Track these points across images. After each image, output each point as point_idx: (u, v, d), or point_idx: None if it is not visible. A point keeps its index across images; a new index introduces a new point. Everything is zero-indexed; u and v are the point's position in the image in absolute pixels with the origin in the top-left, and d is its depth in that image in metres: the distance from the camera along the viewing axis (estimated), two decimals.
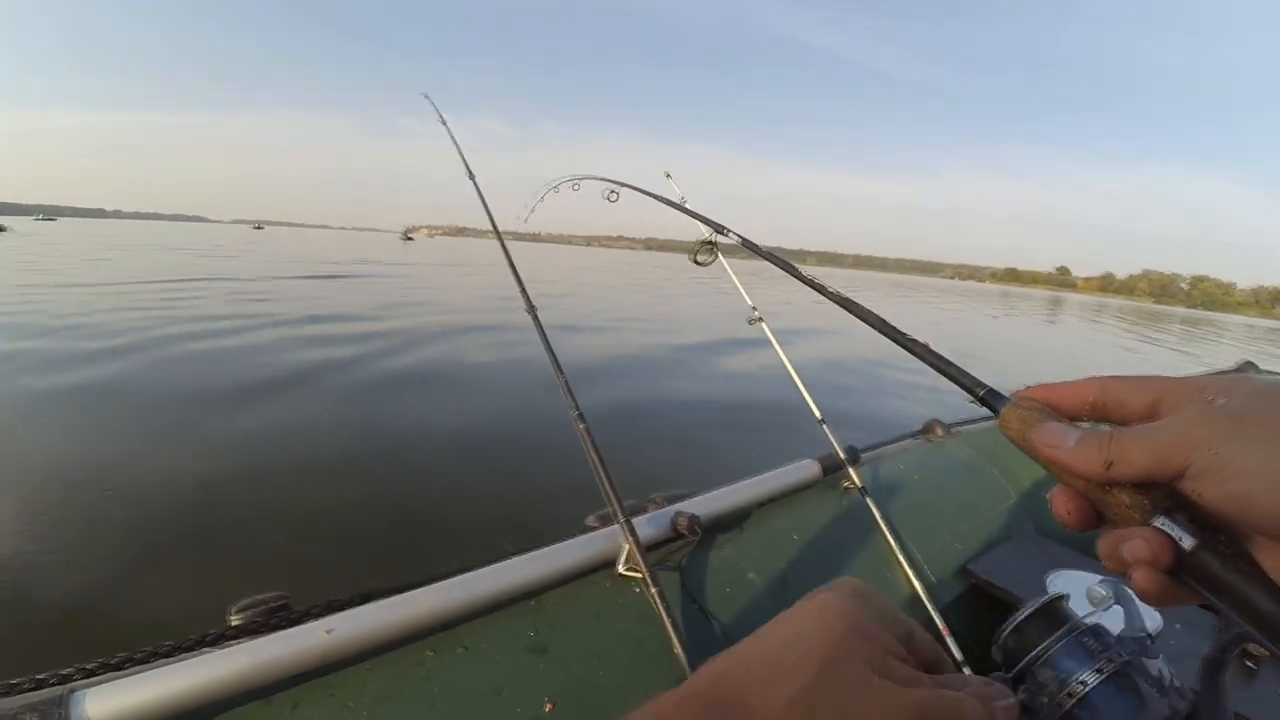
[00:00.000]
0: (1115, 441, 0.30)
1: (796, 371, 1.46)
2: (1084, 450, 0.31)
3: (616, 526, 0.93)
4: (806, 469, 1.30)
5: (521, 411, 4.60)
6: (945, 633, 1.11)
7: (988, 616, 1.30)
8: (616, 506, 0.93)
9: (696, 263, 1.16)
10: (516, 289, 1.35)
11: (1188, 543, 0.28)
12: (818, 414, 1.39)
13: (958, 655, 1.10)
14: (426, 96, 1.94)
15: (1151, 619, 1.20)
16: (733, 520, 1.14)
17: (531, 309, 1.29)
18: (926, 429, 1.72)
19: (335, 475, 3.29)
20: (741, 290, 1.60)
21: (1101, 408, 0.33)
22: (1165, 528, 0.29)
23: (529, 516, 2.91)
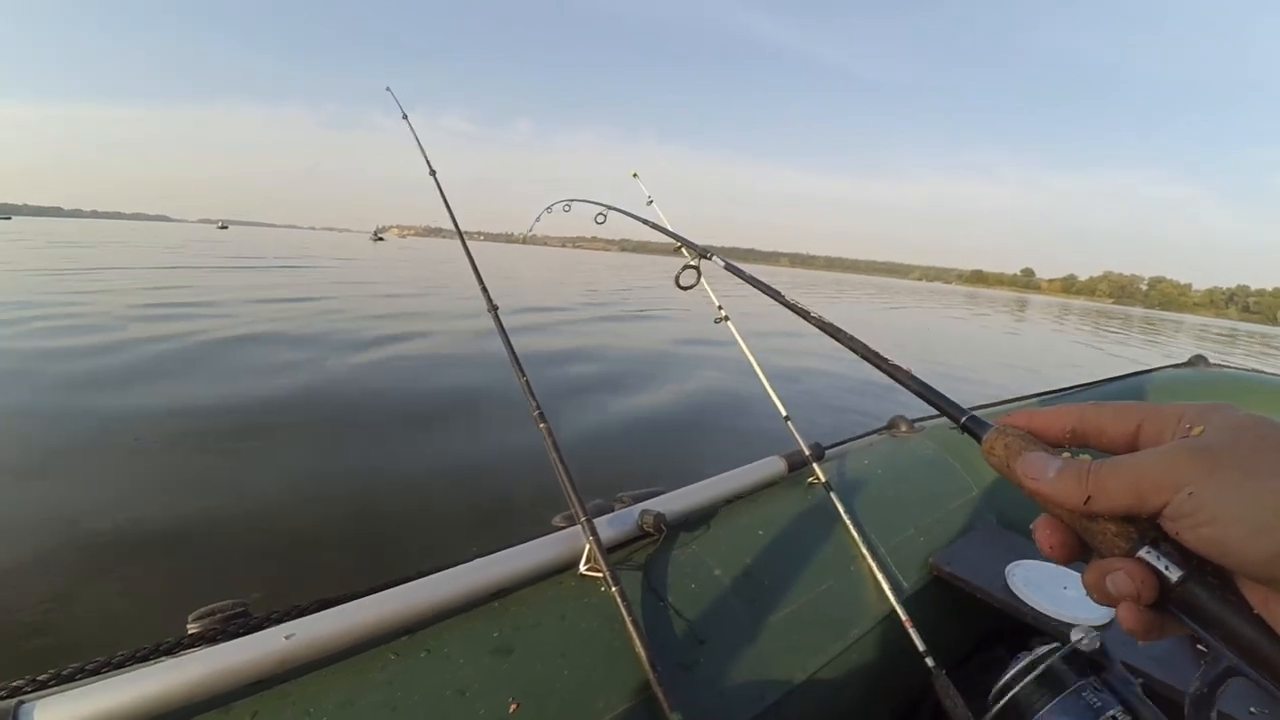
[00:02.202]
0: (1094, 475, 0.30)
1: (762, 370, 1.48)
2: (1063, 483, 0.30)
3: (578, 526, 0.93)
4: (772, 466, 1.32)
5: (485, 412, 4.55)
6: (908, 625, 1.14)
7: (950, 608, 1.33)
8: (578, 506, 0.93)
9: (680, 286, 1.18)
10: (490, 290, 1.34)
11: (1174, 574, 0.27)
12: (783, 411, 1.41)
13: (921, 646, 1.12)
14: (389, 90, 1.91)
15: (1105, 606, 1.24)
16: (699, 518, 1.15)
17: (493, 308, 1.28)
18: (891, 425, 1.75)
19: (293, 480, 3.22)
20: (709, 290, 1.62)
21: (1082, 435, 0.33)
22: (1150, 559, 0.28)
23: (495, 518, 2.88)
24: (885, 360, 0.48)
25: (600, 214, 1.71)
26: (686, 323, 10.95)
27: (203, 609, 0.81)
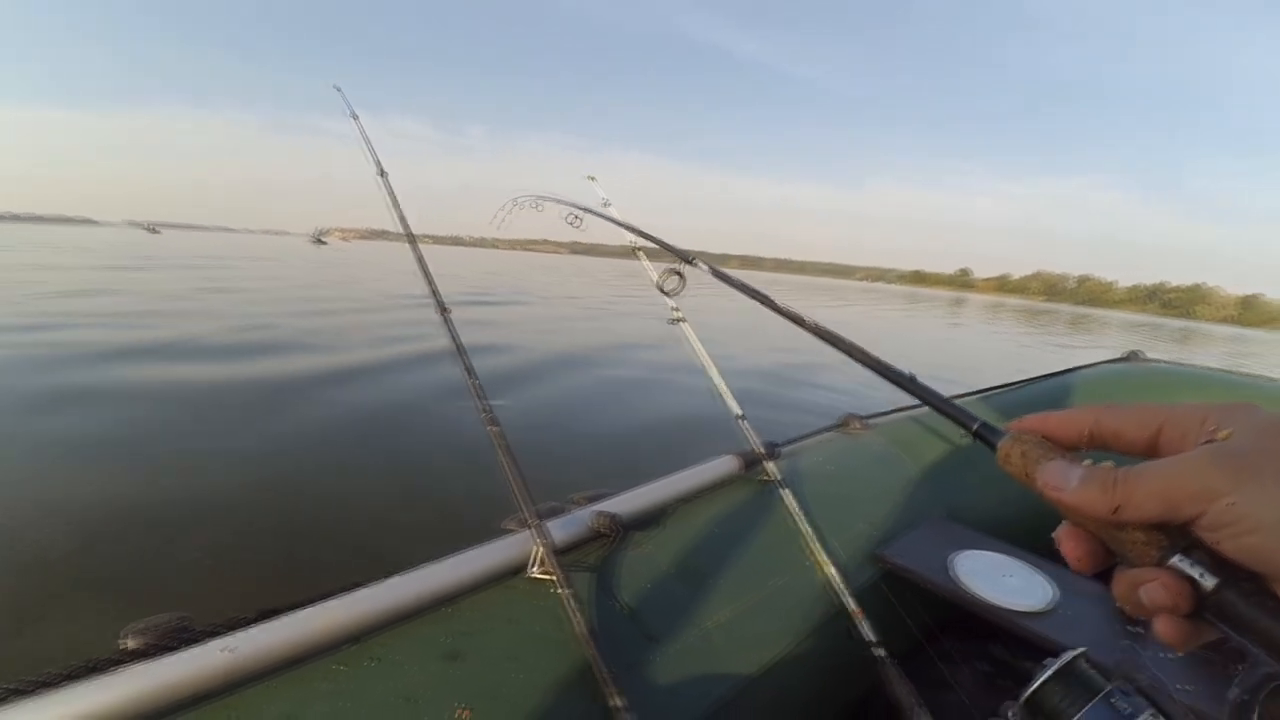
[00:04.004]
0: (1122, 484, 0.28)
1: (717, 369, 1.50)
2: (1089, 493, 0.29)
3: (529, 530, 0.94)
4: (726, 464, 1.34)
5: (436, 415, 4.46)
6: (859, 616, 1.17)
7: (900, 600, 1.37)
8: (528, 509, 0.93)
9: (663, 291, 1.18)
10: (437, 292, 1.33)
11: (1209, 581, 0.27)
12: (737, 410, 1.43)
13: (870, 637, 1.15)
14: (338, 89, 1.85)
15: (1046, 593, 1.29)
16: (652, 518, 1.16)
17: (443, 310, 1.27)
18: (844, 422, 1.79)
19: (236, 487, 3.10)
20: (661, 289, 1.63)
21: (1099, 439, 0.32)
22: (1183, 566, 0.27)
23: (445, 522, 2.83)
24: (887, 366, 0.48)
25: (573, 215, 1.61)
26: (641, 322, 10.87)
27: (140, 623, 0.79)
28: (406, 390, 5.12)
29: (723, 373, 1.51)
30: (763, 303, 0.71)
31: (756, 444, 1.38)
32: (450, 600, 0.88)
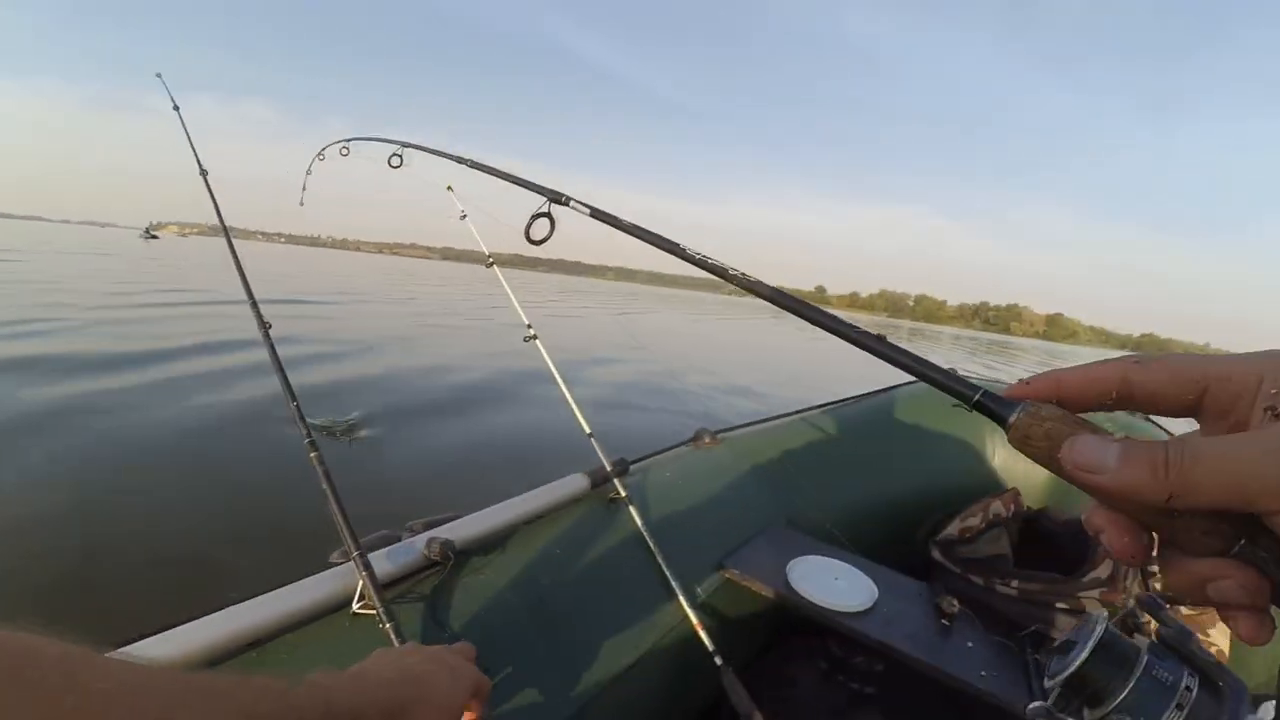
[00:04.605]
0: (1178, 469, 0.24)
1: (569, 387, 1.50)
2: (1135, 477, 0.24)
3: (350, 562, 0.88)
4: (574, 483, 1.33)
5: (257, 433, 4.02)
6: (699, 628, 1.20)
7: (742, 608, 1.42)
8: (349, 539, 0.88)
9: (531, 241, 0.99)
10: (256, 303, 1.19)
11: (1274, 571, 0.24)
12: (586, 428, 1.44)
13: (711, 647, 1.18)
14: (159, 76, 1.66)
15: (869, 593, 1.40)
16: (494, 541, 1.13)
17: (263, 325, 1.16)
18: (695, 437, 1.85)
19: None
20: (516, 306, 1.60)
21: (1127, 400, 0.28)
22: (1250, 556, 0.24)
23: (267, 557, 2.59)
24: (852, 328, 0.42)
25: (395, 155, 1.34)
26: (493, 338, 10.22)
27: None
28: (222, 405, 4.58)
29: (576, 389, 1.51)
30: (670, 251, 0.62)
31: (606, 461, 1.39)
32: (257, 644, 0.80)
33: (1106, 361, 0.28)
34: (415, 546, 0.98)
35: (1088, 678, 0.48)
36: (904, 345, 0.38)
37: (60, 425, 3.83)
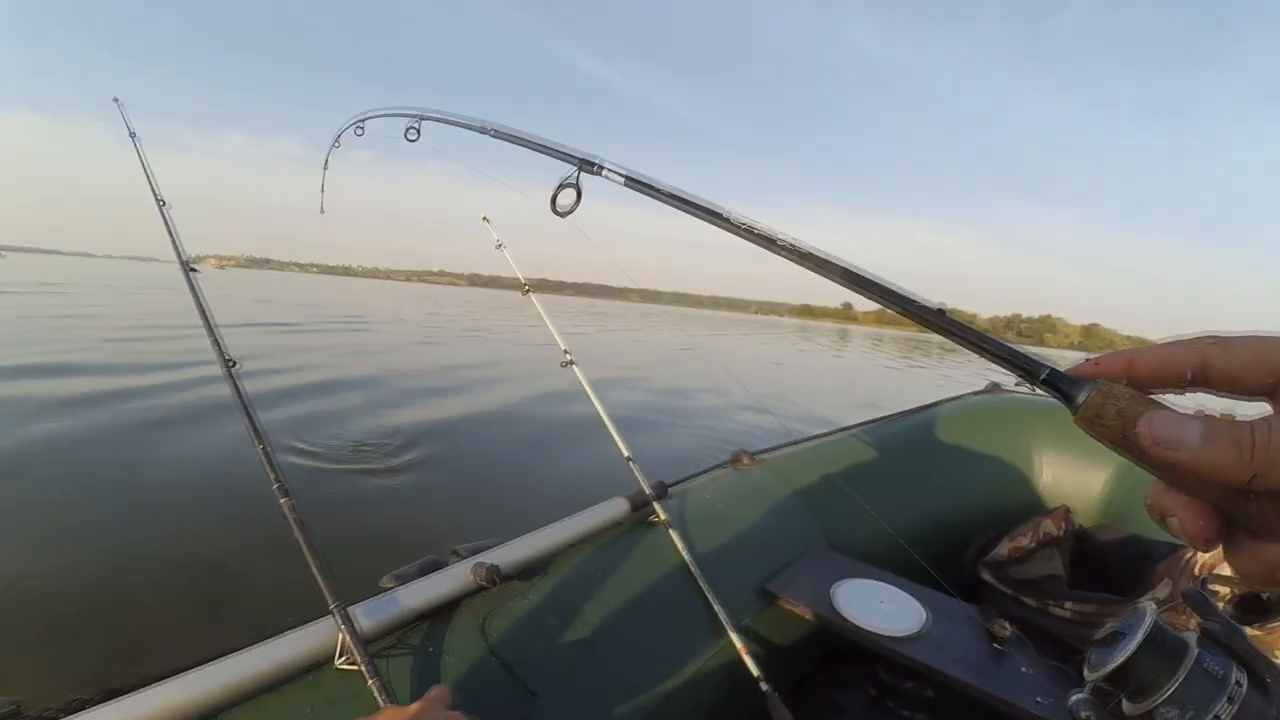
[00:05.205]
0: (1264, 448, 0.23)
1: (607, 412, 1.51)
2: (1218, 454, 0.24)
3: (329, 616, 0.83)
4: (614, 508, 1.34)
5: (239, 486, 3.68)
6: (743, 652, 1.18)
7: (787, 632, 1.40)
8: (328, 593, 0.83)
9: (557, 212, 0.89)
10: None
11: None
12: (626, 452, 1.44)
13: (756, 672, 1.17)
14: (116, 101, 1.59)
15: (918, 617, 1.36)
16: (536, 566, 1.14)
17: (227, 364, 1.07)
18: (734, 459, 1.84)
19: None
20: (554, 332, 1.63)
21: (1203, 381, 0.27)
22: None
23: (251, 610, 2.49)
24: (908, 299, 0.39)
25: (411, 128, 1.22)
26: (529, 363, 10.30)
27: None
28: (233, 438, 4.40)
29: (615, 413, 1.52)
30: (712, 220, 0.57)
31: (645, 485, 1.39)
32: (234, 704, 0.77)
33: (1182, 340, 0.27)
34: (462, 570, 1.00)
35: (1134, 670, 0.46)
36: (963, 322, 0.36)
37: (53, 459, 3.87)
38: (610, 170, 0.76)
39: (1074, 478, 2.16)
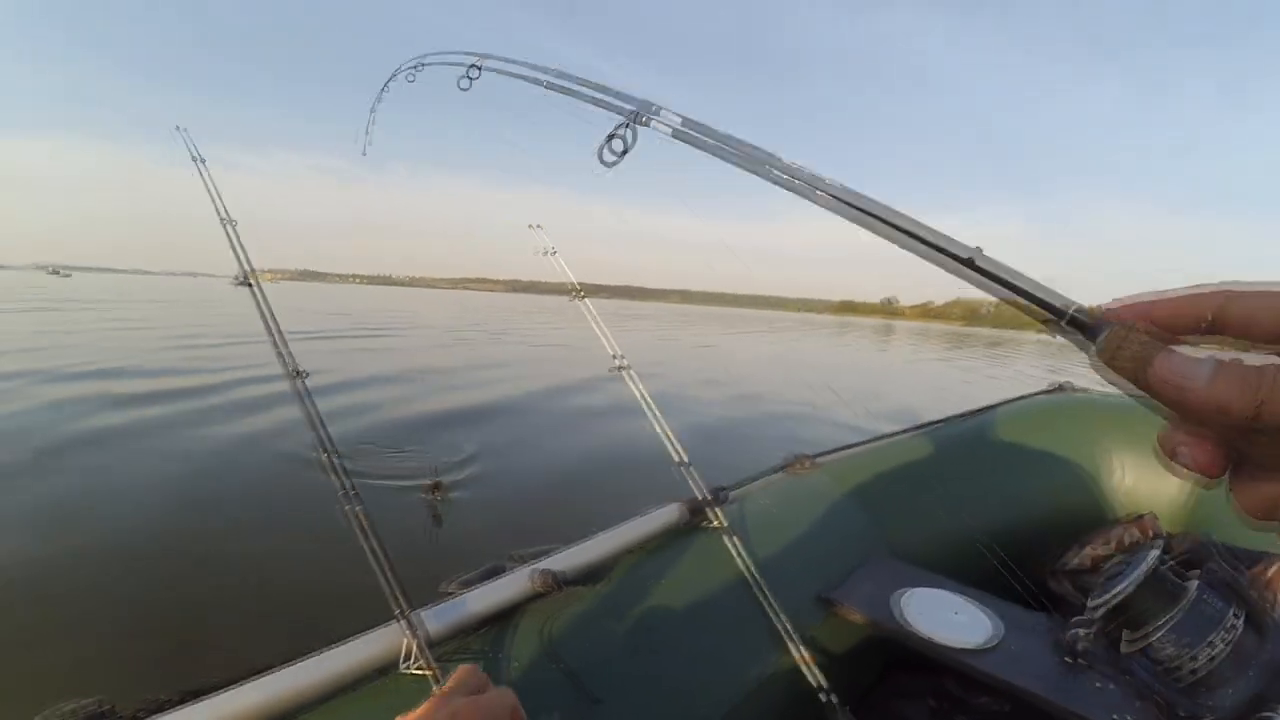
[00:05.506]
0: (1270, 385, 0.24)
1: (660, 416, 1.49)
2: (1224, 389, 0.25)
3: (398, 623, 0.85)
4: (671, 513, 1.33)
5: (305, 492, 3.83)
6: (808, 663, 1.16)
7: (850, 641, 1.37)
8: (398, 599, 0.85)
9: (602, 162, 0.89)
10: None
11: None
12: (682, 457, 1.43)
13: (820, 683, 1.14)
14: (180, 129, 1.61)
15: (989, 628, 1.31)
16: (595, 572, 1.14)
17: (296, 375, 1.08)
18: (791, 462, 1.80)
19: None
20: (604, 337, 1.63)
21: (1222, 326, 0.28)
22: None
23: (316, 616, 2.53)
24: (937, 243, 0.39)
25: (466, 75, 1.13)
26: (579, 368, 10.21)
27: (54, 710, 0.74)
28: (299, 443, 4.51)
29: (667, 417, 1.50)
30: (755, 171, 0.55)
31: (702, 490, 1.37)
32: (298, 710, 0.79)
33: (1202, 288, 0.29)
34: (523, 577, 1.00)
35: (1133, 604, 0.49)
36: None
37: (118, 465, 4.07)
38: (659, 120, 0.70)
39: (1153, 482, 2.03)
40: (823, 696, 1.11)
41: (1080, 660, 1.25)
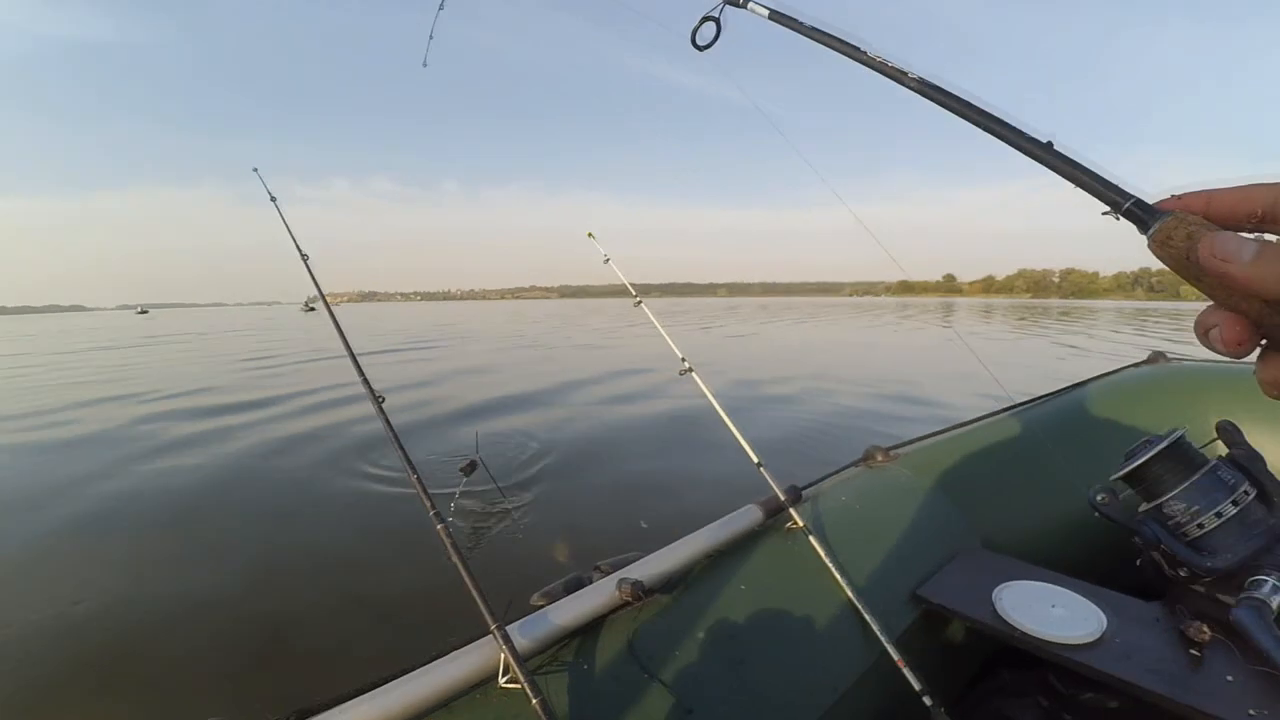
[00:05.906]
0: None
1: (730, 417, 1.48)
2: (1265, 266, 0.27)
3: (489, 636, 0.86)
4: (749, 515, 1.31)
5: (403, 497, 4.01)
6: (902, 665, 1.12)
7: (944, 639, 1.32)
8: (487, 614, 0.86)
9: (696, 45, 0.94)
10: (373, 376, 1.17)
11: None
12: (755, 458, 1.41)
13: (917, 685, 1.10)
14: (255, 171, 1.80)
15: (1096, 621, 1.23)
16: (677, 579, 1.13)
17: (376, 399, 1.14)
18: (867, 456, 1.75)
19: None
20: (669, 340, 1.63)
21: (1272, 222, 0.29)
22: None
23: (412, 632, 2.55)
24: (1016, 131, 0.41)
25: None
26: (644, 373, 10.14)
27: None
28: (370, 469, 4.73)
29: (737, 418, 1.49)
30: (849, 54, 0.60)
31: (778, 490, 1.35)
32: None
33: (1261, 183, 0.30)
34: (608, 586, 1.00)
35: (1150, 471, 0.52)
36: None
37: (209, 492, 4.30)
38: (755, 3, 0.78)
39: (1267, 454, 1.88)
40: (926, 700, 1.07)
41: (1200, 652, 1.17)
